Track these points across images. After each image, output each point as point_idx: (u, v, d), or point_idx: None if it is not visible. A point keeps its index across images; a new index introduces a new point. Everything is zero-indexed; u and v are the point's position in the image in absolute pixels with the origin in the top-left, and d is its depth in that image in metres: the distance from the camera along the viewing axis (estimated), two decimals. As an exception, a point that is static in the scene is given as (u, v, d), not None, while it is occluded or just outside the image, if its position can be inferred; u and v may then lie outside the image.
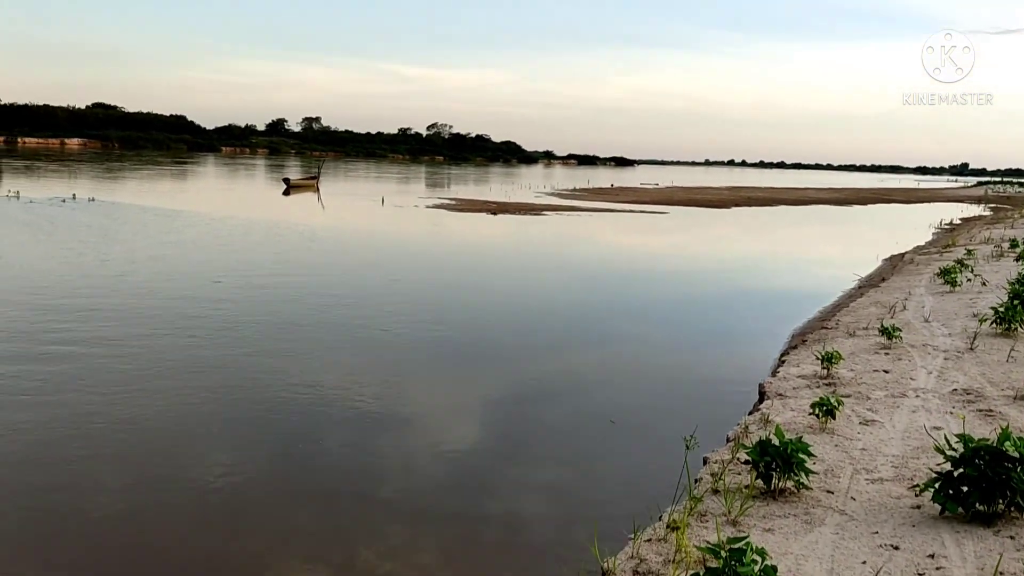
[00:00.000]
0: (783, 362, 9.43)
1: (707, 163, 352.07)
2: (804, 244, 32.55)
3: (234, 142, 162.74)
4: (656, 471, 7.20)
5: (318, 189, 51.39)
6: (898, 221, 49.23)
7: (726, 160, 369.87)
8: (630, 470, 7.67)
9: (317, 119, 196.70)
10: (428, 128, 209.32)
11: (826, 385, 8.15)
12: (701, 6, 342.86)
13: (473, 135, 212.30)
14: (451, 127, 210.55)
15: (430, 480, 7.46)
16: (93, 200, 33.04)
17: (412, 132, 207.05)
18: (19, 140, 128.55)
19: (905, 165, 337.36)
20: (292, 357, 11.12)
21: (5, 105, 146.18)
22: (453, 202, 43.41)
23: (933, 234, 35.72)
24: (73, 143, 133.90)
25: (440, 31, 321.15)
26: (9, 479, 7.01)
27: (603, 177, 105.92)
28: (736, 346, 13.22)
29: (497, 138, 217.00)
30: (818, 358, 8.52)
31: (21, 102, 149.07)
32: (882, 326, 9.97)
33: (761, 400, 8.09)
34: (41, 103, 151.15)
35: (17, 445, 7.69)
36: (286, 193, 48.02)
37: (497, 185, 68.57)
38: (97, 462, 7.43)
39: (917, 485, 5.40)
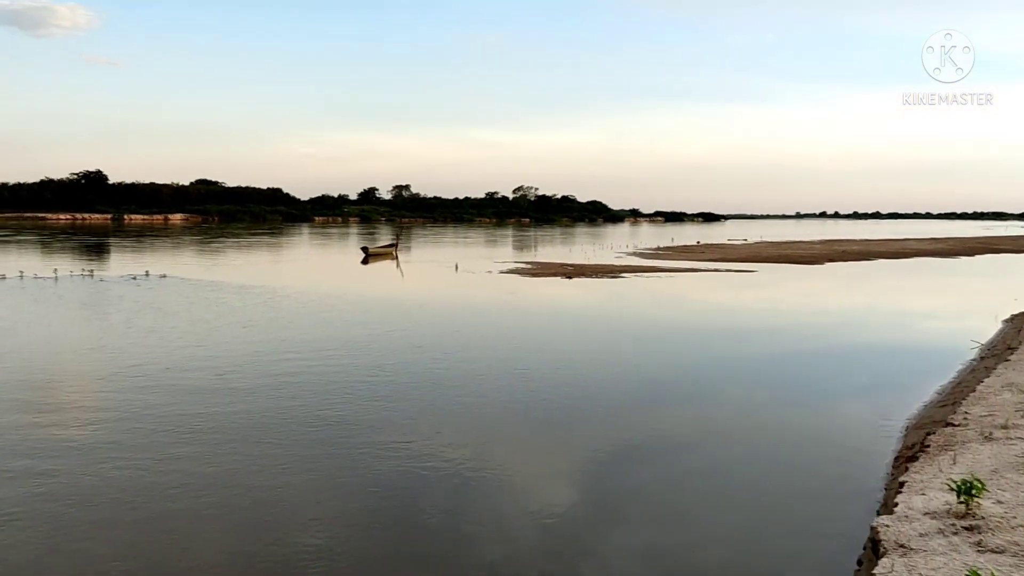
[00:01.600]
0: (902, 484, 7.19)
1: (798, 216, 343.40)
2: (909, 304, 29.38)
3: (327, 212, 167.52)
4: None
5: (397, 256, 51.04)
6: (1011, 273, 45.06)
7: (818, 212, 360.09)
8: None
9: (407, 187, 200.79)
10: (514, 191, 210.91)
11: (966, 530, 5.90)
12: (784, 60, 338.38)
13: (559, 196, 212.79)
14: (537, 189, 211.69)
15: (522, 545, 7.53)
16: (164, 277, 32.88)
17: (499, 196, 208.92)
18: (126, 217, 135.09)
19: (1009, 211, 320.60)
20: (373, 427, 11.18)
21: (113, 184, 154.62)
22: (529, 266, 41.90)
23: (1056, 287, 32.05)
24: (176, 218, 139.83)
25: (525, 96, 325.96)
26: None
27: (690, 234, 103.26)
28: (832, 443, 10.87)
29: (583, 198, 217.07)
30: (952, 487, 6.29)
31: (128, 181, 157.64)
32: (1033, 434, 7.59)
33: (876, 554, 5.92)
34: (148, 181, 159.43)
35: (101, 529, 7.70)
36: (364, 262, 47.59)
37: (578, 246, 66.95)
38: (190, 529, 7.70)
39: None
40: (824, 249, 61.31)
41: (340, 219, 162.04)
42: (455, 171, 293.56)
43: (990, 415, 9.73)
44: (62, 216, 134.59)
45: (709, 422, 12.09)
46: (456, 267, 41.23)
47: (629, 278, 35.82)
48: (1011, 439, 8.38)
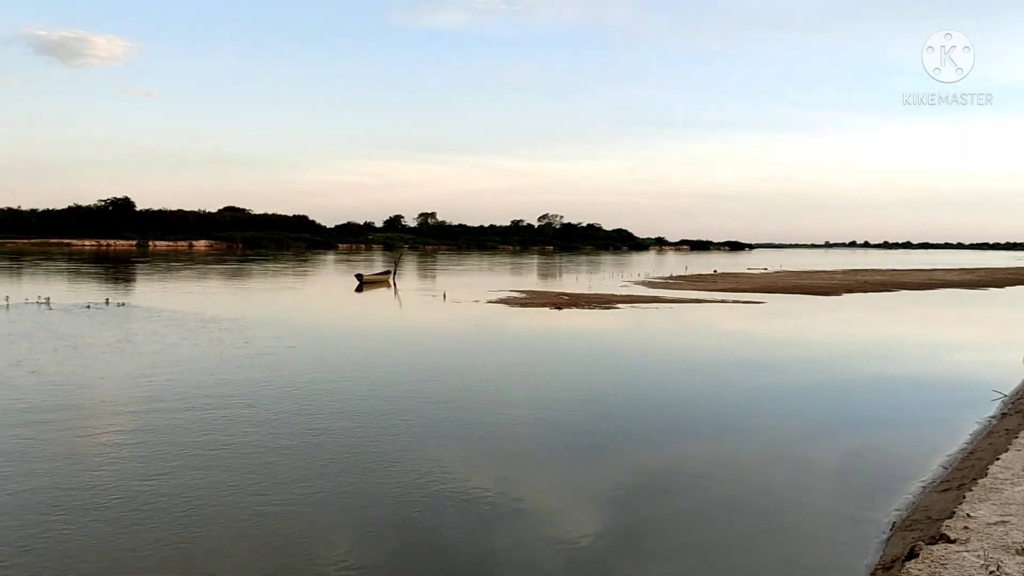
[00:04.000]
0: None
1: (827, 245, 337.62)
2: (929, 341, 26.10)
3: (351, 239, 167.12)
4: None
5: (393, 284, 48.92)
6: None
7: (847, 242, 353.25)
8: None
9: (432, 214, 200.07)
10: (539, 219, 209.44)
11: None
12: (815, 89, 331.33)
13: (584, 224, 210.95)
14: (562, 217, 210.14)
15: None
16: (123, 305, 30.75)
17: (524, 223, 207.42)
18: (151, 243, 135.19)
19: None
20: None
21: (141, 211, 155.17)
22: (522, 295, 39.20)
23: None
24: (200, 245, 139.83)
25: (552, 125, 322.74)
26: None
27: (714, 262, 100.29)
28: (798, 550, 8.06)
29: (608, 226, 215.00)
30: None
31: (156, 208, 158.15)
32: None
33: None
34: (175, 208, 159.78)
35: None
36: (359, 290, 45.35)
37: (588, 275, 64.22)
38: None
39: None
40: (845, 279, 57.98)
41: (364, 246, 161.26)
42: (481, 199, 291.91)
43: (1002, 523, 6.84)
44: (87, 242, 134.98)
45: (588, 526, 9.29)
46: (444, 296, 38.71)
47: (623, 309, 32.94)
48: (1026, 577, 5.51)
